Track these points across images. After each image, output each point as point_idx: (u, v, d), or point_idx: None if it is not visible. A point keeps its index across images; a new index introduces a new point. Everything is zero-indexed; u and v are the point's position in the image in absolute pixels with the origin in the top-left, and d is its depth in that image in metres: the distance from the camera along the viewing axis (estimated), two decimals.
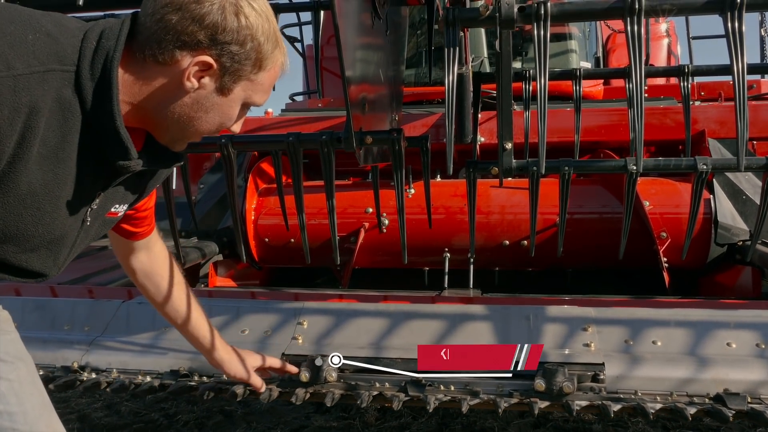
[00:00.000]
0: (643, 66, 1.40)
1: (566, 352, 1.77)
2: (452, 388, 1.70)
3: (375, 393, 1.69)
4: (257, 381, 1.80)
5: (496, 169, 1.70)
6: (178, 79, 1.15)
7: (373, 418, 3.90)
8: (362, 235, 3.09)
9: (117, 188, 1.31)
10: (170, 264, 1.74)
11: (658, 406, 1.56)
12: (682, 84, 2.14)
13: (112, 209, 1.35)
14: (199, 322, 1.75)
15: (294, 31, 5.71)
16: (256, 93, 1.23)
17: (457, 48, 1.43)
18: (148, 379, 1.81)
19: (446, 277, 3.07)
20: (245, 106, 1.25)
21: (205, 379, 1.81)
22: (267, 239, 3.27)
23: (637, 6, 1.36)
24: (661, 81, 5.13)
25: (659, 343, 1.77)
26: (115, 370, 1.88)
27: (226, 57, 1.14)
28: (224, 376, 1.79)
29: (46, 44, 1.06)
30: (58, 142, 1.10)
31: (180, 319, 1.74)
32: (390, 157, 1.69)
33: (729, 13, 1.35)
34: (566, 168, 1.72)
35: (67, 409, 4.17)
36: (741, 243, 2.87)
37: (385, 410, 4.01)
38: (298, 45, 5.79)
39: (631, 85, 2.05)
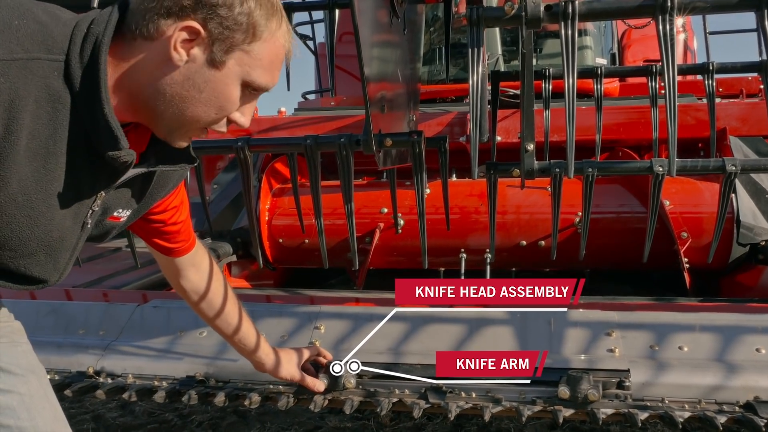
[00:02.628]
0: (675, 67, 1.35)
1: (590, 358, 1.73)
2: (473, 395, 1.66)
3: (394, 400, 1.65)
4: (311, 382, 1.76)
5: (518, 171, 1.66)
6: (165, 52, 1.07)
7: (388, 420, 3.87)
8: (377, 235, 3.06)
9: (121, 191, 1.25)
10: (222, 280, 1.68)
11: (687, 414, 1.52)
12: (706, 82, 2.09)
13: (115, 213, 1.28)
14: (249, 333, 1.71)
15: (307, 29, 5.68)
16: (254, 69, 1.12)
17: (482, 48, 1.38)
18: (165, 384, 1.78)
19: (462, 278, 3.03)
20: (247, 87, 1.14)
21: (222, 385, 1.78)
22: (281, 240, 3.24)
23: (669, 4, 1.31)
24: (678, 77, 5.04)
25: (686, 349, 1.73)
26: (130, 375, 1.86)
27: (213, 22, 1.06)
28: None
29: (33, 31, 1.01)
30: (49, 135, 1.03)
31: (231, 333, 1.70)
32: (409, 158, 1.65)
33: (766, 10, 1.30)
34: (590, 170, 1.67)
35: (81, 409, 4.17)
36: (764, 243, 2.81)
37: (399, 411, 3.98)
38: (311, 43, 5.76)
39: (654, 84, 2.02)
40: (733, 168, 1.65)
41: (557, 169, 1.66)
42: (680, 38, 5.97)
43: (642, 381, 1.65)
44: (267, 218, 3.25)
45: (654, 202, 1.75)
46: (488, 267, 3.05)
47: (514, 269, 3.25)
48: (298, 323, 1.95)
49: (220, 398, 1.68)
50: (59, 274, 1.26)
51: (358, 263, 3.21)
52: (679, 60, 5.57)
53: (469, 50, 1.41)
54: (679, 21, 6.09)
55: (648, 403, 1.58)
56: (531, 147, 1.64)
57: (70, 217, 1.16)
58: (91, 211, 1.20)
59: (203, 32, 1.06)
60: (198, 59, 1.08)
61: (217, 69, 1.09)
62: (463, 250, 3.09)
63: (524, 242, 3.04)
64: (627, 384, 1.64)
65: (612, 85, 4.43)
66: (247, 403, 1.68)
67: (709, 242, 2.86)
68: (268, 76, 1.15)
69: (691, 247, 2.88)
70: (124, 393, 1.75)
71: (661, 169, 1.62)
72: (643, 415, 1.52)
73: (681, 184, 2.97)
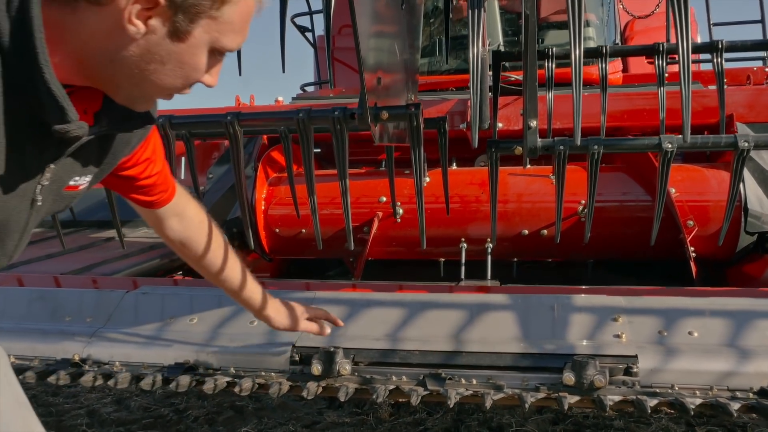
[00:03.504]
0: (689, 39, 1.27)
1: (595, 343, 1.66)
2: (474, 381, 1.59)
3: (391, 387, 1.58)
4: (310, 326, 1.71)
5: (520, 148, 1.59)
6: (118, 23, 0.92)
7: (387, 414, 3.81)
8: (376, 224, 2.99)
9: (74, 157, 1.11)
10: (207, 227, 1.61)
11: (698, 401, 1.44)
12: (715, 61, 2.01)
13: (71, 182, 1.15)
14: (242, 281, 1.66)
15: (305, 21, 5.61)
16: (225, 34, 1.00)
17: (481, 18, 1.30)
18: (152, 371, 1.71)
19: (463, 268, 2.96)
20: (214, 52, 1.02)
21: (211, 372, 1.71)
22: (277, 230, 3.17)
23: None
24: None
25: (696, 334, 1.65)
26: (118, 362, 1.79)
27: None
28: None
29: None
30: None
31: (224, 282, 1.65)
32: (407, 139, 1.57)
33: None
34: (595, 147, 1.60)
35: (76, 404, 4.10)
36: None
37: (399, 406, 3.91)
38: (309, 35, 5.69)
39: (661, 62, 1.94)
40: (746, 144, 1.57)
41: (561, 147, 1.58)
42: None
43: (650, 367, 1.58)
44: (263, 208, 3.17)
45: (662, 181, 1.67)
46: (489, 257, 2.99)
47: (515, 259, 3.18)
48: None
49: (209, 385, 1.62)
50: (8, 258, 1.15)
51: (355, 253, 3.15)
52: None
53: (469, 19, 1.34)
54: None
55: (657, 390, 1.51)
56: (534, 123, 1.57)
57: (16, 196, 1.04)
58: (39, 187, 1.07)
59: (163, 2, 0.92)
60: (158, 31, 0.94)
61: (181, 41, 0.96)
62: (463, 239, 3.01)
63: (526, 231, 2.97)
64: (635, 370, 1.56)
65: (615, 75, 4.36)
66: (237, 390, 1.61)
67: (716, 231, 2.79)
68: (239, 37, 1.03)
69: (697, 236, 2.80)
70: (110, 380, 1.68)
71: (670, 146, 1.55)
72: (652, 402, 1.44)
73: (687, 172, 2.90)
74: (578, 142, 1.45)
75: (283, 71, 2.51)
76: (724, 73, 2.45)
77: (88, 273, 2.38)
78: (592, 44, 4.57)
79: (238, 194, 1.77)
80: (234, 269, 1.65)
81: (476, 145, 1.44)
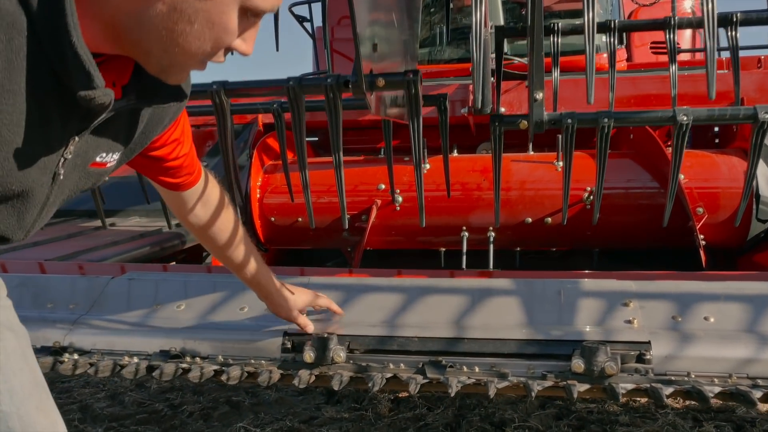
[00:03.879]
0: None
1: (605, 329, 1.56)
2: (477, 369, 1.49)
3: (389, 375, 1.49)
4: (301, 320, 1.68)
5: (525, 122, 1.49)
6: None
7: (387, 410, 3.72)
8: (374, 212, 2.89)
9: (101, 132, 1.07)
10: (232, 214, 1.58)
11: (717, 389, 1.35)
12: (729, 34, 1.92)
13: (98, 159, 1.11)
14: (259, 270, 1.64)
15: (303, 10, 5.51)
16: None
17: None
18: (136, 360, 1.62)
19: (464, 258, 2.87)
20: (245, 12, 0.97)
21: (198, 360, 1.62)
22: (273, 219, 3.08)
23: None
24: (686, 57, 4.89)
25: (712, 320, 1.55)
26: (100, 350, 1.69)
27: None
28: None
29: None
30: (3, 68, 0.86)
31: (243, 272, 1.63)
32: (405, 115, 1.47)
33: None
34: (605, 120, 1.50)
35: (69, 399, 4.02)
36: None
37: (399, 401, 3.83)
38: (308, 25, 5.59)
39: (671, 36, 1.85)
40: (767, 116, 1.48)
41: (569, 120, 1.49)
42: None
43: (665, 354, 1.48)
44: (258, 196, 3.08)
45: (677, 157, 1.58)
46: (491, 246, 2.89)
47: (518, 249, 3.08)
48: None
49: (195, 373, 1.52)
50: (24, 232, 1.09)
51: (354, 243, 3.06)
52: (688, 41, 5.41)
53: None
54: (686, 3, 5.92)
55: (673, 378, 1.41)
56: (540, 96, 1.47)
57: (37, 168, 0.98)
58: (62, 160, 1.03)
59: None
60: None
61: None
62: (464, 228, 2.92)
63: (529, 219, 2.87)
64: (648, 357, 1.47)
65: (620, 64, 4.27)
66: (224, 378, 1.52)
67: (726, 218, 2.70)
68: None
69: (707, 224, 2.71)
70: (90, 368, 1.59)
71: (685, 119, 1.45)
72: (667, 390, 1.35)
73: (696, 158, 2.81)
74: (591, 100, 1.35)
75: (277, 49, 2.42)
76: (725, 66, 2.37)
77: (74, 260, 2.29)
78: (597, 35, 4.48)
79: (226, 171, 1.67)
80: (254, 259, 1.63)
81: (479, 106, 1.34)
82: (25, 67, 0.88)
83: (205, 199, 1.52)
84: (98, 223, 2.95)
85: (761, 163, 2.71)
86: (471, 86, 2.88)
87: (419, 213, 1.84)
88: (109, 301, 1.86)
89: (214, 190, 1.55)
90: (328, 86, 1.46)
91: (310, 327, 1.68)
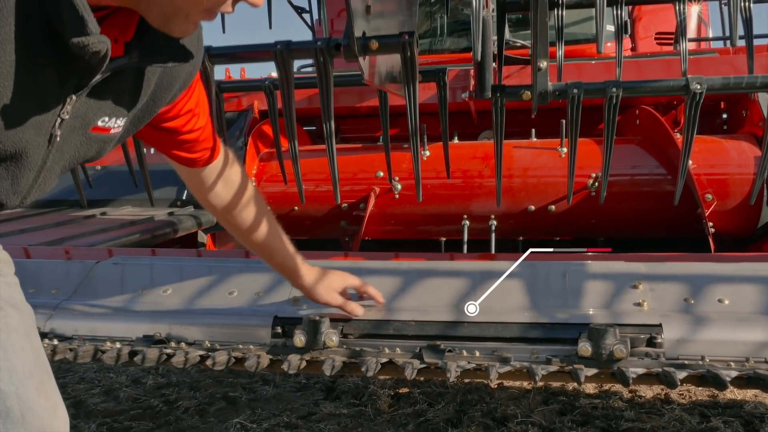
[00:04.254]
0: None
1: (613, 312, 1.47)
2: (477, 354, 1.41)
3: (384, 360, 1.40)
4: (352, 307, 1.58)
5: (528, 93, 1.41)
6: None
7: (387, 405, 3.63)
8: (372, 200, 2.81)
9: (103, 94, 1.01)
10: (254, 194, 1.53)
11: (734, 373, 1.26)
12: (742, 5, 1.83)
13: (100, 123, 1.04)
14: (286, 252, 1.59)
15: (302, 1, 5.43)
16: None
17: None
18: (118, 345, 1.53)
19: (465, 247, 2.79)
20: None
21: (183, 345, 1.53)
22: (269, 208, 3.00)
23: None
24: (692, 46, 4.81)
25: (726, 302, 1.47)
26: (81, 336, 1.61)
27: None
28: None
29: None
30: None
31: (271, 256, 1.58)
32: (400, 79, 1.39)
33: None
34: (614, 90, 1.42)
35: (63, 395, 3.93)
36: None
37: (399, 397, 3.74)
38: (307, 17, 5.52)
39: (682, 7, 1.77)
40: None
41: (575, 90, 1.40)
42: (693, 11, 5.73)
43: (677, 337, 1.39)
44: (254, 184, 3.00)
45: (690, 127, 1.49)
46: (493, 235, 2.81)
47: (521, 238, 3.00)
48: (275, 279, 1.71)
49: (179, 358, 1.44)
50: (20, 198, 1.02)
51: (351, 232, 2.98)
52: (692, 33, 5.32)
53: None
54: None
55: (686, 362, 1.33)
56: (544, 65, 1.39)
57: (31, 127, 0.92)
58: (59, 120, 0.96)
59: None
60: None
61: None
62: (465, 216, 2.84)
63: (532, 207, 2.79)
64: (659, 341, 1.38)
65: (624, 53, 4.19)
66: (210, 363, 1.43)
67: (736, 205, 2.61)
68: None
69: (716, 211, 2.62)
70: (70, 354, 1.50)
71: (698, 87, 1.37)
72: (681, 375, 1.26)
73: (705, 143, 2.72)
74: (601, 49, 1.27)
75: (270, 27, 2.34)
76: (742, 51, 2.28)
77: (60, 245, 2.21)
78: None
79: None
80: (280, 241, 1.58)
81: (477, 56, 1.25)
82: (13, 13, 0.81)
83: (226, 178, 1.46)
84: (89, 212, 2.87)
85: None
86: (472, 71, 2.79)
87: (416, 189, 1.75)
88: (93, 286, 1.78)
89: (235, 168, 1.49)
90: (318, 50, 1.38)
91: (359, 310, 1.58)
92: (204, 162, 1.41)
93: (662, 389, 3.90)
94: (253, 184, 1.55)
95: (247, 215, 1.52)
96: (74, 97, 0.96)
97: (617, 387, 3.96)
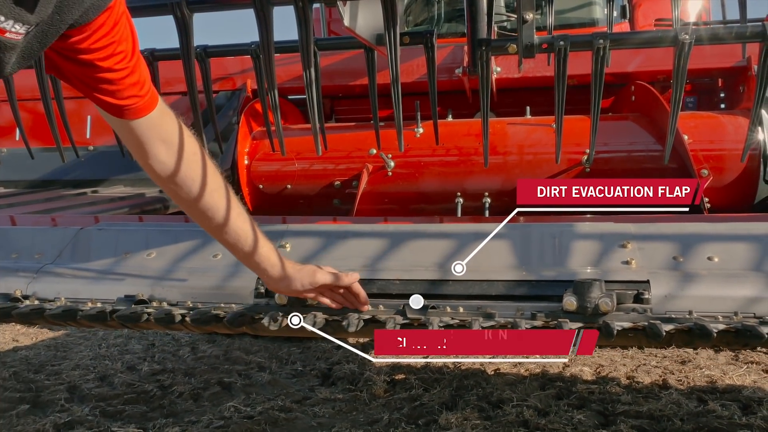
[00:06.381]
0: None
1: (601, 270, 1.45)
2: (461, 310, 1.38)
3: (366, 316, 1.38)
4: (312, 295, 1.44)
5: (514, 46, 1.38)
6: None
7: (382, 390, 3.61)
8: (365, 177, 2.78)
9: None
10: (202, 161, 1.33)
11: (721, 326, 1.23)
12: None
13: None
14: (243, 230, 1.39)
15: None
16: None
17: None
18: (99, 305, 1.51)
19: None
20: None
21: (165, 305, 1.51)
22: (261, 186, 2.98)
23: None
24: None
25: (716, 259, 1.44)
26: (63, 298, 1.59)
27: None
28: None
29: None
30: None
31: (225, 235, 1.38)
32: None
33: None
34: (601, 41, 1.39)
35: (57, 380, 3.92)
36: None
37: (395, 382, 3.72)
38: None
39: None
40: None
41: (561, 42, 1.37)
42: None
43: (664, 293, 1.37)
44: (246, 163, 2.98)
45: (678, 80, 1.46)
46: (487, 213, 2.79)
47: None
48: None
49: (159, 315, 1.41)
50: None
51: (344, 211, 2.95)
52: (694, 17, 5.29)
53: None
54: None
55: (674, 316, 1.30)
56: (530, 16, 1.36)
57: None
58: None
59: None
60: None
61: None
62: (459, 194, 2.81)
63: None
64: (647, 297, 1.35)
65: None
66: (190, 319, 1.41)
67: (731, 180, 2.58)
68: None
69: (711, 187, 2.59)
70: (47, 312, 1.48)
71: (686, 37, 1.34)
72: (667, 327, 1.23)
73: (702, 119, 2.69)
74: None
75: None
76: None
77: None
78: (597, 9, 4.39)
79: (187, 82, 1.52)
80: (238, 218, 1.39)
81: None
82: None
83: (168, 139, 1.29)
84: (80, 190, 2.85)
85: None
86: (466, 47, 2.77)
87: (397, 135, 1.72)
88: (78, 251, 1.76)
89: (178, 130, 1.31)
90: None
91: (327, 302, 1.45)
92: (134, 113, 1.24)
93: (661, 375, 3.87)
94: (206, 152, 1.36)
95: (197, 187, 1.33)
96: None
97: (615, 372, 3.93)
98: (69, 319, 1.47)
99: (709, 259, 1.44)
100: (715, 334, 1.19)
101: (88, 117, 3.17)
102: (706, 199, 2.54)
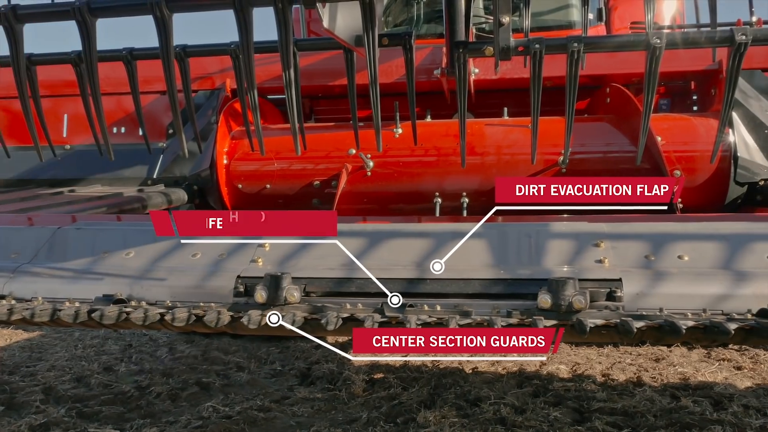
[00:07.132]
0: None
1: (574, 269, 1.48)
2: (438, 308, 1.40)
3: (345, 315, 1.39)
4: None
5: (491, 48, 1.41)
6: None
7: (360, 389, 3.62)
8: (344, 177, 2.80)
9: None
10: None
11: (691, 323, 1.27)
12: None
13: None
14: None
15: None
16: None
17: None
18: (77, 305, 1.50)
19: None
20: None
21: (143, 304, 1.51)
22: (240, 185, 2.98)
23: None
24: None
25: (686, 258, 1.48)
26: (40, 297, 1.58)
27: None
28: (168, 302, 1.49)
29: None
30: None
31: None
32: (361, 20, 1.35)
33: None
34: (575, 45, 1.42)
35: (32, 381, 3.88)
36: (763, 182, 2.59)
37: (373, 382, 3.74)
38: None
39: None
40: (743, 38, 1.40)
41: (537, 45, 1.40)
42: (672, 4, 5.78)
43: (636, 291, 1.40)
44: (225, 162, 2.98)
45: (650, 83, 1.50)
46: (465, 213, 2.82)
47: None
48: (239, 243, 1.69)
49: (137, 315, 1.41)
50: None
51: (322, 208, 2.96)
52: (668, 21, 5.37)
53: None
54: None
55: (645, 313, 1.33)
56: (506, 19, 1.39)
57: None
58: None
59: None
60: None
61: None
62: (437, 194, 2.84)
63: None
64: (619, 294, 1.39)
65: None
66: (169, 319, 1.41)
67: (703, 181, 2.64)
68: None
69: (684, 187, 2.65)
70: (27, 312, 1.47)
71: (658, 41, 1.38)
72: (638, 324, 1.27)
73: (674, 121, 2.75)
74: None
75: None
76: None
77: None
78: (575, 11, 4.44)
79: (165, 72, 1.51)
80: None
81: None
82: None
83: None
84: (57, 189, 2.83)
85: (738, 124, 2.66)
86: (445, 48, 2.79)
87: (376, 135, 1.73)
88: (55, 250, 1.75)
89: None
90: None
91: None
92: None
93: (635, 373, 3.93)
94: None
95: None
96: None
97: (591, 370, 3.99)
98: (47, 318, 1.47)
99: (680, 257, 1.48)
100: (684, 331, 1.22)
101: (65, 116, 3.15)
102: (679, 200, 2.59)
